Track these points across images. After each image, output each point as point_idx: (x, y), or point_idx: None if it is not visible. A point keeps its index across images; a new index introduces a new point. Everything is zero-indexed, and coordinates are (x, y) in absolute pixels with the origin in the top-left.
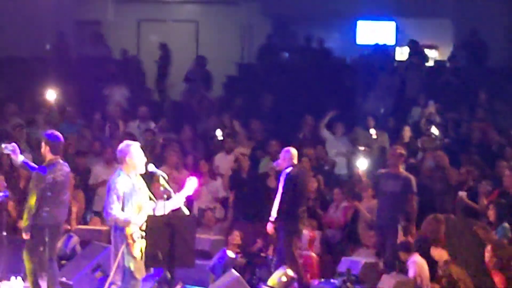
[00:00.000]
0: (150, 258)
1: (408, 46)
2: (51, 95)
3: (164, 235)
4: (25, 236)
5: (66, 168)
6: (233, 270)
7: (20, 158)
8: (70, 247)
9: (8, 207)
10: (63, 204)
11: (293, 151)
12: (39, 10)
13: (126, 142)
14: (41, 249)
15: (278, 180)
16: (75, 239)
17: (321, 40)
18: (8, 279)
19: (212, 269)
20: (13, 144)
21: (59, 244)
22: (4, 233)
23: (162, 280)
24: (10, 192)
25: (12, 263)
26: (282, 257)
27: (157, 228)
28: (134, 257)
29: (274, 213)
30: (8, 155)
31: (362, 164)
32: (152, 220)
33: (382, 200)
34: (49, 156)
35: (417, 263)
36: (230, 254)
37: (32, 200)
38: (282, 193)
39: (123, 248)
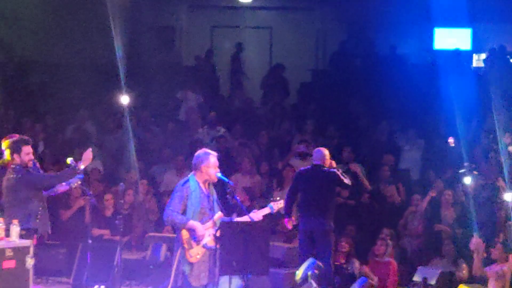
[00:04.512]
0: (224, 266)
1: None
2: (124, 100)
3: (237, 242)
4: None
5: (17, 171)
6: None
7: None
8: (162, 255)
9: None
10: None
11: (324, 152)
12: (113, 15)
13: (204, 150)
14: None
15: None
16: (164, 247)
17: (395, 46)
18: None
19: None
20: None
21: (148, 252)
22: (90, 241)
23: None
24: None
25: (96, 271)
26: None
27: (230, 235)
28: (189, 263)
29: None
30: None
31: None
32: (225, 227)
33: None
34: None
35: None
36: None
37: None
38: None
39: (179, 252)
